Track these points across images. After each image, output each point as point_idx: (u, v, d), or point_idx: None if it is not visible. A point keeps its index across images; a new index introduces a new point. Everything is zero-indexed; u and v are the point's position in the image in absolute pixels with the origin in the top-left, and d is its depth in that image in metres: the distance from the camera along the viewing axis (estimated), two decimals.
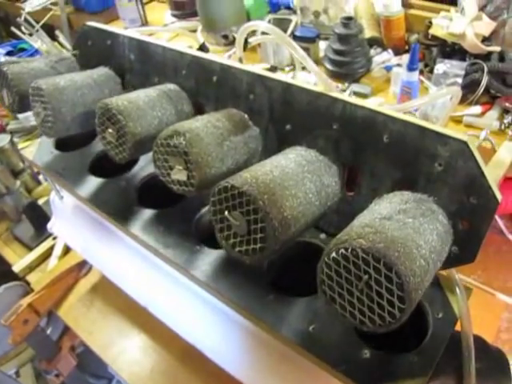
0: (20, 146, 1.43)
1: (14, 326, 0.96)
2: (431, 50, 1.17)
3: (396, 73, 1.12)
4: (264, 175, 0.45)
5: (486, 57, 1.05)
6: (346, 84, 1.19)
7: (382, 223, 0.39)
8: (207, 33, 1.39)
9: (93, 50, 0.79)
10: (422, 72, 1.14)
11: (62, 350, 1.13)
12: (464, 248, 0.46)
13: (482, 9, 1.09)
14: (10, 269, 1.16)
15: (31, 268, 1.16)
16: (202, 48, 1.10)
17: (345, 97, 0.50)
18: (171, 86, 0.67)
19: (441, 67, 1.07)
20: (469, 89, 1.03)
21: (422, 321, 0.50)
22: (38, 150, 0.84)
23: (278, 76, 0.55)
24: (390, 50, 1.25)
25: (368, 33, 1.27)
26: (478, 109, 1.01)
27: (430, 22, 1.16)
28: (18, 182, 1.25)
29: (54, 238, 1.20)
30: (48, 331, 1.14)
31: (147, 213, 0.67)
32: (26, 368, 1.38)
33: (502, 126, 0.97)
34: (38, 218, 1.21)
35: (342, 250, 0.37)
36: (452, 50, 1.14)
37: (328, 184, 0.50)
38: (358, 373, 0.46)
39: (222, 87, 0.61)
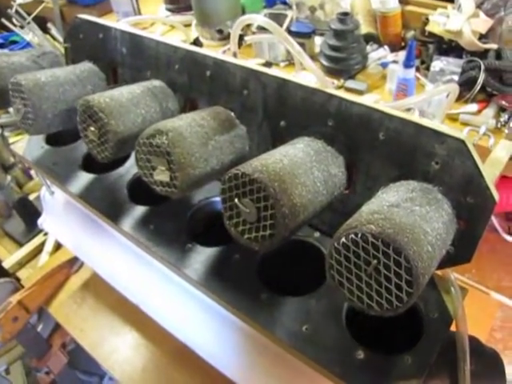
0: (11, 140, 1.41)
1: (3, 324, 0.94)
2: (428, 47, 1.17)
3: (392, 69, 1.11)
4: (274, 163, 0.45)
5: (483, 54, 1.05)
6: (342, 80, 1.18)
7: (391, 210, 0.39)
8: (202, 27, 1.37)
9: (84, 44, 0.77)
10: (418, 69, 1.13)
11: (52, 347, 1.11)
12: (460, 248, 0.45)
13: (479, 6, 1.08)
14: (0, 265, 1.14)
15: (22, 264, 1.15)
16: (196, 42, 1.09)
17: (340, 93, 0.49)
18: (156, 83, 0.66)
19: (437, 64, 1.06)
20: (465, 86, 1.03)
21: (417, 321, 0.50)
22: (28, 145, 0.82)
23: (273, 71, 0.54)
24: (386, 47, 1.25)
25: (364, 29, 1.26)
26: (474, 107, 1.01)
27: (427, 19, 1.15)
28: (9, 177, 1.24)
29: (45, 234, 1.18)
30: (39, 328, 1.13)
31: (139, 209, 0.66)
32: (15, 365, 1.37)
33: (499, 125, 0.96)
34: (29, 213, 1.20)
35: (352, 235, 0.38)
36: (449, 47, 1.13)
37: (335, 174, 0.50)
38: (352, 374, 0.45)
39: (215, 82, 0.60)
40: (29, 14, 1.53)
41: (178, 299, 0.70)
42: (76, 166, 0.75)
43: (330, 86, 0.51)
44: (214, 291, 0.54)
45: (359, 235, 0.37)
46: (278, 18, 1.38)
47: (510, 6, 1.05)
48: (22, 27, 1.48)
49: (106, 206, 0.67)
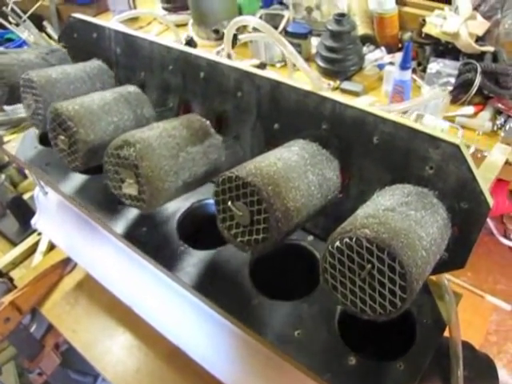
0: (6, 138, 1.39)
1: None
2: (424, 49, 1.16)
3: (388, 71, 1.11)
4: (268, 167, 0.44)
5: (480, 57, 1.05)
6: (338, 81, 1.18)
7: (386, 214, 0.39)
8: (198, 27, 1.37)
9: (78, 43, 0.77)
10: (414, 71, 1.13)
11: (45, 348, 1.11)
12: (454, 253, 0.45)
13: (476, 8, 1.08)
14: None
15: (15, 264, 1.14)
16: (190, 43, 1.08)
17: (334, 96, 0.49)
18: (131, 89, 0.64)
19: (434, 66, 1.06)
20: (462, 89, 1.02)
21: (410, 327, 0.49)
22: (21, 145, 0.82)
23: (267, 73, 0.54)
24: (382, 48, 1.24)
25: (361, 30, 1.25)
26: (470, 109, 1.00)
27: (424, 21, 1.15)
28: (3, 176, 1.23)
29: (39, 234, 1.17)
30: (32, 329, 1.12)
31: (132, 211, 0.65)
32: (8, 366, 1.36)
33: (495, 127, 0.96)
34: (23, 213, 1.19)
35: (347, 240, 0.37)
36: (445, 49, 1.13)
37: (329, 177, 0.49)
38: (343, 380, 0.45)
39: (209, 83, 0.60)
40: (25, 12, 1.52)
41: (171, 301, 0.70)
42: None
43: (325, 88, 0.50)
44: (206, 294, 0.54)
45: (354, 239, 0.37)
46: (275, 19, 1.38)
47: (506, 9, 1.04)
48: (17, 25, 1.46)
49: (98, 207, 0.66)
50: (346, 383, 0.45)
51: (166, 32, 1.48)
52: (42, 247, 1.15)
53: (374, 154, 0.47)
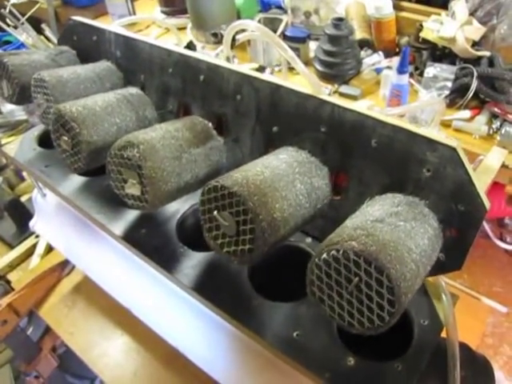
0: (3, 141, 1.39)
1: None
2: (422, 53, 1.17)
3: (386, 75, 1.12)
4: (255, 176, 0.44)
5: (476, 61, 1.05)
6: (336, 85, 1.18)
7: (374, 226, 0.38)
8: (197, 30, 1.37)
9: (78, 46, 0.77)
10: (412, 75, 1.13)
11: (42, 350, 1.10)
12: (451, 255, 0.45)
13: (472, 13, 1.09)
14: None
15: (12, 267, 1.14)
16: (190, 46, 1.08)
17: (333, 99, 0.50)
18: (133, 90, 0.65)
19: (431, 71, 1.07)
20: (458, 93, 1.03)
21: (408, 328, 0.50)
22: (19, 147, 0.82)
23: (266, 77, 0.54)
24: (380, 52, 1.25)
25: (359, 34, 1.26)
26: (467, 113, 1.01)
27: (421, 25, 1.16)
28: (1, 178, 1.23)
29: (37, 237, 1.17)
30: (29, 331, 1.12)
31: (131, 213, 0.65)
32: (4, 369, 1.35)
33: (491, 131, 0.97)
34: (21, 215, 1.19)
35: (334, 252, 0.37)
36: (442, 53, 1.14)
37: (318, 186, 0.49)
38: (342, 381, 0.45)
39: (208, 87, 0.60)
40: (23, 15, 1.52)
41: (170, 304, 0.70)
42: (68, 168, 0.74)
43: (323, 91, 0.51)
44: (204, 296, 0.54)
45: (340, 252, 0.36)
46: (274, 23, 1.38)
47: (502, 15, 1.05)
48: (15, 27, 1.47)
49: (97, 209, 0.67)
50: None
51: (165, 35, 1.49)
52: (40, 250, 1.15)
53: (373, 156, 0.48)
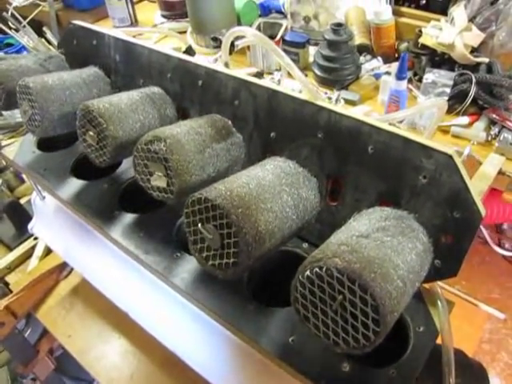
0: (4, 143, 1.40)
1: None
2: (420, 59, 1.17)
3: (385, 81, 1.12)
4: (239, 188, 0.44)
5: (475, 68, 1.06)
6: (335, 91, 1.19)
7: (359, 241, 0.37)
8: (197, 35, 1.38)
9: (78, 50, 0.77)
10: (410, 81, 1.14)
11: (39, 353, 1.10)
12: (447, 262, 0.45)
13: (471, 20, 1.10)
14: None
15: (11, 269, 1.14)
16: (189, 51, 1.09)
17: (330, 106, 0.50)
18: (155, 90, 0.66)
19: (430, 76, 1.07)
20: (457, 99, 1.03)
21: (403, 334, 0.50)
22: (19, 150, 0.82)
23: (264, 82, 0.55)
24: (379, 58, 1.25)
25: (358, 39, 1.26)
26: (465, 119, 1.01)
27: (420, 31, 1.16)
28: (0, 180, 1.23)
29: (36, 239, 1.17)
30: (26, 334, 1.11)
31: (128, 217, 0.65)
32: (1, 371, 1.35)
33: (489, 137, 0.97)
34: (20, 217, 1.19)
35: (317, 269, 0.36)
36: (441, 59, 1.14)
37: (306, 197, 0.49)
38: None
39: (206, 92, 0.60)
40: (24, 18, 1.53)
41: (168, 307, 0.70)
42: (67, 172, 0.75)
43: (321, 97, 0.51)
44: (201, 300, 0.54)
45: (324, 269, 0.35)
46: (273, 28, 1.39)
47: (501, 21, 1.06)
48: (17, 30, 1.47)
49: (95, 212, 0.67)
50: None
51: (165, 39, 1.49)
52: (38, 252, 1.15)
53: (369, 163, 0.48)
